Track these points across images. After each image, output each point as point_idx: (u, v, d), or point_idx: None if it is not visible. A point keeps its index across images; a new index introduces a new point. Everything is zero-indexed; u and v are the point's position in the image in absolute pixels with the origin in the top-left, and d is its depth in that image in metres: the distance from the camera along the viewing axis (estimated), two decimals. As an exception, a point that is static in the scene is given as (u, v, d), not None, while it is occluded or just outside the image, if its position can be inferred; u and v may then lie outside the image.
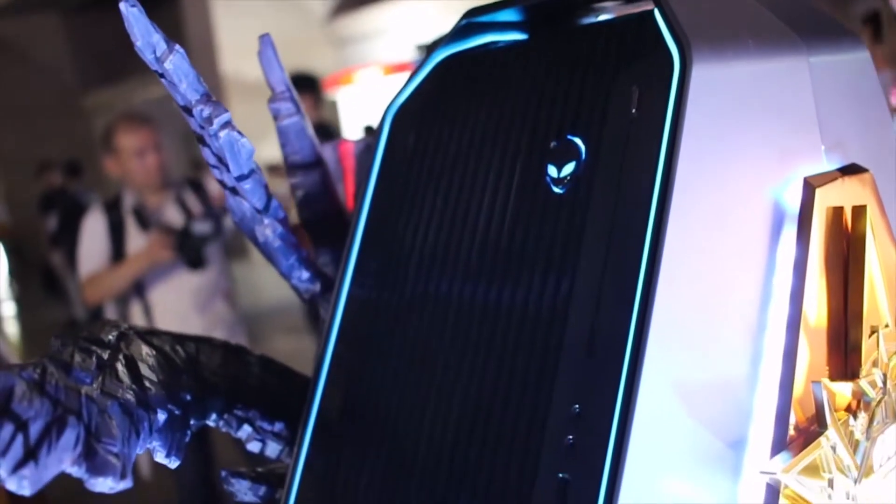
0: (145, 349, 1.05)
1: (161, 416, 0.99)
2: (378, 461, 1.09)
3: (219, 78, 9.82)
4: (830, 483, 1.01)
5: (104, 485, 0.90)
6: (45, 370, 0.89)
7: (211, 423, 1.13)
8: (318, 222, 1.32)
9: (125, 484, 0.92)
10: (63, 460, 0.86)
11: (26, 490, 0.83)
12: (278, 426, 1.20)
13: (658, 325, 0.91)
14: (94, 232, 3.78)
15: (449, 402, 1.04)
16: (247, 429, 1.17)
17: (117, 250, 3.75)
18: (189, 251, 3.68)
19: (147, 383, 1.00)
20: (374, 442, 1.10)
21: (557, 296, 0.98)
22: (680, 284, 0.94)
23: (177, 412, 1.02)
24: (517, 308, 1.01)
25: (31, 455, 0.83)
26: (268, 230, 1.17)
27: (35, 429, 0.84)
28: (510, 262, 1.04)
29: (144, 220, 3.79)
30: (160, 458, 1.00)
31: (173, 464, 1.01)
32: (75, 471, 0.88)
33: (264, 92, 1.28)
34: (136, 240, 3.75)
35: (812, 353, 1.03)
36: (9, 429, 0.81)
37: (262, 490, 1.23)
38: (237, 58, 9.73)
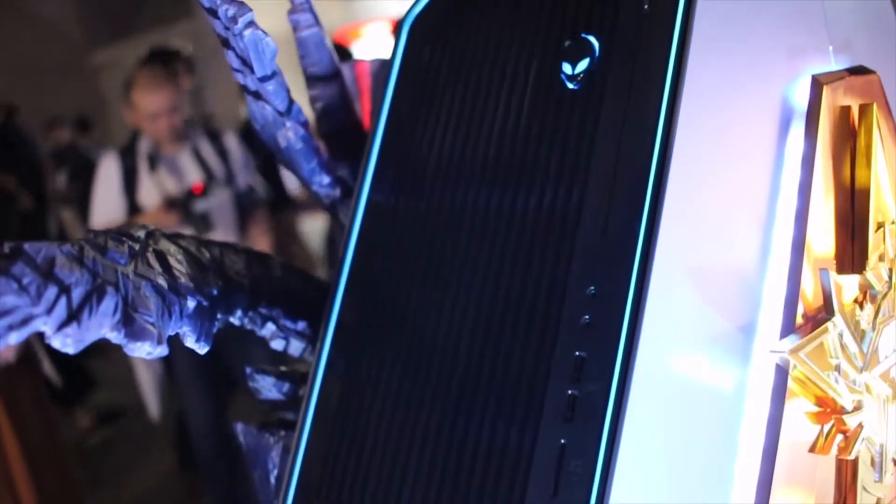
0: (172, 247, 1.08)
1: (191, 303, 1.02)
2: (397, 360, 1.12)
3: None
4: (837, 368, 1.05)
5: (142, 350, 0.94)
6: (83, 248, 0.93)
7: (236, 320, 1.16)
8: (336, 135, 1.35)
9: (161, 350, 0.96)
10: (103, 325, 0.90)
11: (70, 348, 0.87)
12: (301, 325, 1.23)
13: (670, 214, 0.95)
14: (107, 177, 3.80)
15: (467, 298, 1.07)
16: (270, 327, 1.21)
17: (130, 197, 3.77)
18: (193, 222, 3.71)
19: (176, 273, 1.03)
20: (394, 341, 1.13)
21: (573, 187, 1.01)
22: (691, 176, 0.97)
23: (205, 303, 1.05)
24: (533, 204, 1.04)
25: (73, 317, 0.86)
26: (290, 133, 1.19)
27: (77, 294, 0.87)
28: (526, 159, 1.06)
29: (154, 166, 3.81)
30: (190, 342, 1.03)
31: (202, 349, 1.05)
32: (114, 336, 0.92)
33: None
34: (146, 185, 3.78)
35: (819, 245, 1.06)
36: (53, 290, 0.85)
37: (286, 387, 1.26)
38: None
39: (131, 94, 3.74)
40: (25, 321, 0.82)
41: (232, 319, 1.15)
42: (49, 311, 0.85)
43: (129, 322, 0.92)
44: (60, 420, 3.94)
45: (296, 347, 1.25)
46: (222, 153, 3.99)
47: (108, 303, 0.90)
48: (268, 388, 1.26)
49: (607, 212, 0.98)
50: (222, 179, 3.89)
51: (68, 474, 3.59)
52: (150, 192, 3.76)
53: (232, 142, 4.03)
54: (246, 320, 1.18)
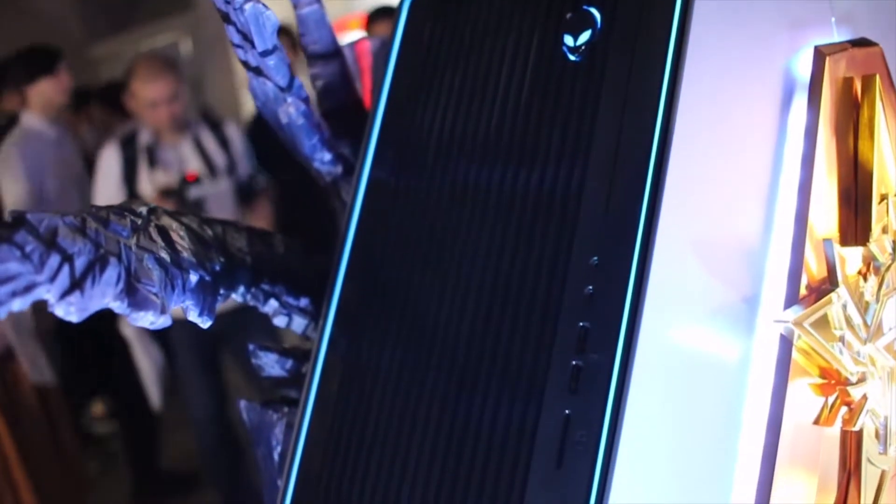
0: (174, 223, 1.08)
1: (193, 277, 1.02)
2: (400, 338, 1.11)
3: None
4: (842, 339, 1.05)
5: (145, 319, 0.94)
6: (85, 219, 0.93)
7: (238, 296, 1.16)
8: (337, 113, 1.34)
9: (165, 320, 0.96)
10: (106, 294, 0.90)
11: (73, 317, 0.87)
12: (304, 302, 1.23)
13: (673, 184, 0.94)
14: (108, 167, 3.81)
15: (469, 274, 1.06)
16: (273, 303, 1.21)
17: (130, 187, 3.77)
18: (189, 210, 3.70)
19: (178, 247, 1.03)
20: (396, 319, 1.13)
21: (575, 161, 1.01)
22: (694, 147, 0.97)
23: (207, 278, 1.05)
24: (535, 178, 1.04)
25: (76, 286, 0.86)
26: (291, 108, 1.19)
27: (80, 263, 0.87)
28: (528, 133, 1.06)
29: (154, 159, 3.81)
30: (193, 316, 1.03)
31: (205, 323, 1.05)
32: (117, 306, 0.92)
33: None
34: (145, 178, 3.78)
35: (823, 217, 1.06)
36: (56, 258, 0.85)
37: (289, 364, 1.26)
38: None
39: (131, 82, 3.74)
40: (28, 288, 0.82)
41: (234, 296, 1.15)
42: (52, 279, 0.84)
43: (132, 292, 0.92)
44: (64, 415, 3.92)
45: (298, 324, 1.25)
46: (223, 142, 3.98)
47: (111, 272, 0.90)
48: (271, 364, 1.26)
49: (610, 184, 0.98)
50: (223, 169, 3.89)
51: (70, 472, 3.57)
52: (151, 182, 3.76)
53: (233, 131, 4.03)
54: (248, 296, 1.18)
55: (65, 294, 0.86)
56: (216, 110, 6.41)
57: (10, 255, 0.81)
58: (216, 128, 4.02)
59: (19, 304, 0.81)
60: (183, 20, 9.88)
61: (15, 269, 0.81)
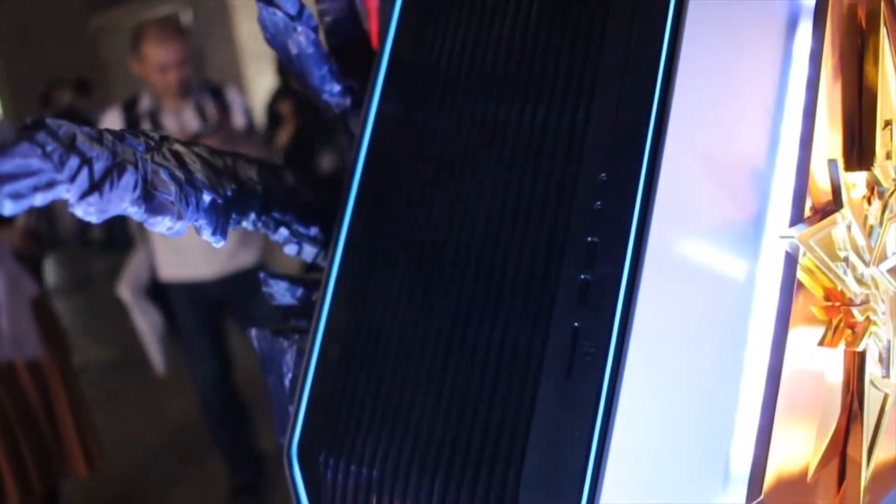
0: (186, 150, 1.09)
1: (206, 198, 1.03)
2: (410, 261, 1.13)
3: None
4: (846, 261, 1.06)
5: (162, 224, 0.95)
6: (101, 132, 0.94)
7: (249, 224, 1.17)
8: (346, 49, 1.35)
9: (181, 225, 0.97)
10: (124, 199, 0.91)
11: (93, 217, 0.89)
12: (314, 230, 1.24)
13: (681, 103, 0.96)
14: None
15: (479, 196, 1.07)
16: (283, 232, 1.22)
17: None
18: None
19: (192, 169, 1.04)
20: (405, 244, 1.14)
21: (584, 80, 1.02)
22: (700, 72, 0.98)
23: (219, 201, 1.06)
24: (544, 100, 1.05)
25: (96, 187, 0.88)
26: (301, 37, 1.20)
27: (98, 167, 0.89)
28: (535, 58, 1.07)
29: (156, 124, 3.81)
30: (206, 235, 1.04)
31: (218, 243, 1.06)
32: (134, 212, 0.93)
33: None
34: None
35: (827, 140, 1.07)
36: (76, 160, 0.86)
37: (300, 292, 1.27)
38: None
39: (141, 45, 3.74)
40: (49, 185, 0.83)
41: (245, 223, 1.16)
42: (72, 179, 0.86)
43: (149, 198, 0.93)
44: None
45: (308, 253, 1.26)
46: (224, 108, 3.99)
47: (129, 178, 0.91)
48: (281, 293, 1.27)
49: (618, 102, 0.99)
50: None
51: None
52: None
53: (234, 95, 4.03)
54: (259, 224, 1.19)
55: (84, 195, 0.87)
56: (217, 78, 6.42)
57: (32, 151, 0.82)
58: (217, 94, 4.03)
59: (40, 199, 0.83)
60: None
61: (37, 165, 0.82)
